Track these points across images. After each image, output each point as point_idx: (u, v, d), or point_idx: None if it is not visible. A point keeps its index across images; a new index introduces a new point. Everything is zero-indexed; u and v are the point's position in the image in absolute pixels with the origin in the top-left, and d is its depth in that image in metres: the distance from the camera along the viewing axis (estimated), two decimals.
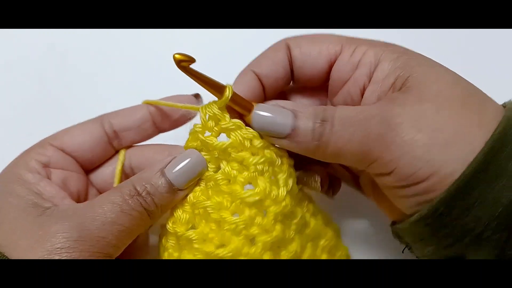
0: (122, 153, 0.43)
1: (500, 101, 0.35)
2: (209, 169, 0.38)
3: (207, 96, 0.37)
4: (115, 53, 0.62)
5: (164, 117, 0.43)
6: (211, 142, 0.36)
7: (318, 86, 0.41)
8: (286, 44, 0.39)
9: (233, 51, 0.62)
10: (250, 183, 0.36)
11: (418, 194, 0.31)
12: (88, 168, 0.43)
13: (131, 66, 0.61)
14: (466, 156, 0.29)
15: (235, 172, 0.36)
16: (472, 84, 0.34)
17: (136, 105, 0.43)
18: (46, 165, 0.39)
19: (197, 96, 0.46)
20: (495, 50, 0.60)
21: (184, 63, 0.33)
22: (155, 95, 0.44)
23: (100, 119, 0.42)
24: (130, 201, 0.34)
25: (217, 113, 0.36)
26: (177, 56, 0.33)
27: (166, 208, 0.37)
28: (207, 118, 0.36)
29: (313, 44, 0.38)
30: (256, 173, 0.36)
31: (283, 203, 0.36)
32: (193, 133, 0.38)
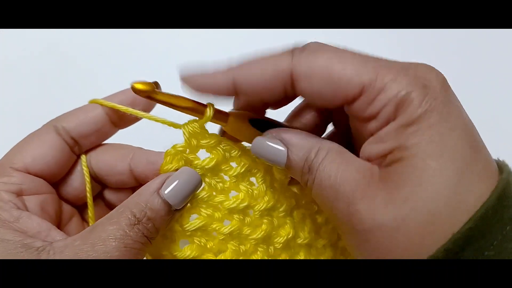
0: (84, 159, 0.40)
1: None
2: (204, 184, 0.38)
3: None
4: (115, 53, 0.62)
5: (121, 116, 0.40)
6: (199, 162, 0.37)
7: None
8: (291, 54, 0.33)
9: (233, 51, 0.62)
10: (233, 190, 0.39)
11: None
12: (54, 181, 0.39)
13: (131, 66, 0.61)
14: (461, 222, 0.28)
15: (221, 184, 0.38)
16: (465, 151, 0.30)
17: (87, 105, 0.40)
18: (19, 194, 0.36)
19: (156, 84, 0.38)
20: (495, 50, 0.60)
21: (148, 91, 0.33)
22: None
23: (53, 126, 0.38)
24: (131, 233, 0.32)
25: (199, 131, 0.37)
26: (136, 86, 0.32)
27: (162, 232, 0.35)
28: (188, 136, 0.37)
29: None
30: (238, 180, 0.39)
31: (266, 198, 0.39)
32: (174, 153, 0.36)
